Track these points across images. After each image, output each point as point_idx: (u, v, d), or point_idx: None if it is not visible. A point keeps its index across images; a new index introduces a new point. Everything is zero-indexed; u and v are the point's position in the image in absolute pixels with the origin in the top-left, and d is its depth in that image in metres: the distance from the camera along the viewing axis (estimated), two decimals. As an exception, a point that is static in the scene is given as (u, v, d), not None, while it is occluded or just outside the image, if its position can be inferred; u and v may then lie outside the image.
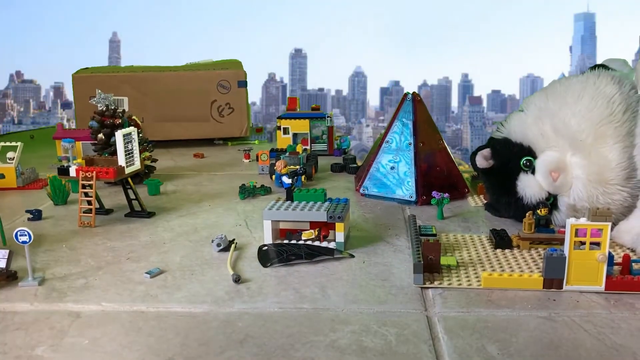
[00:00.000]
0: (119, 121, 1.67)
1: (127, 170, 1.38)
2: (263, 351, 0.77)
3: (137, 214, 1.42)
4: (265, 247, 1.13)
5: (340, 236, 1.14)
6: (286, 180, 1.24)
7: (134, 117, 1.81)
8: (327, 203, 1.19)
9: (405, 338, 0.81)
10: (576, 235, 0.93)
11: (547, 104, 1.27)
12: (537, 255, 1.12)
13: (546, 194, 1.24)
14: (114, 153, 1.39)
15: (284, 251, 1.10)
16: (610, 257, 0.95)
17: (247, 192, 1.59)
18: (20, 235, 0.98)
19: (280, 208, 1.16)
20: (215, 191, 1.69)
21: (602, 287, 0.94)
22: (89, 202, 1.34)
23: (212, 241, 1.17)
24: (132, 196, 1.41)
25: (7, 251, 1.02)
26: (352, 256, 1.12)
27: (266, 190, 1.63)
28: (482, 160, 1.33)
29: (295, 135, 2.25)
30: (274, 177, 1.73)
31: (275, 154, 1.93)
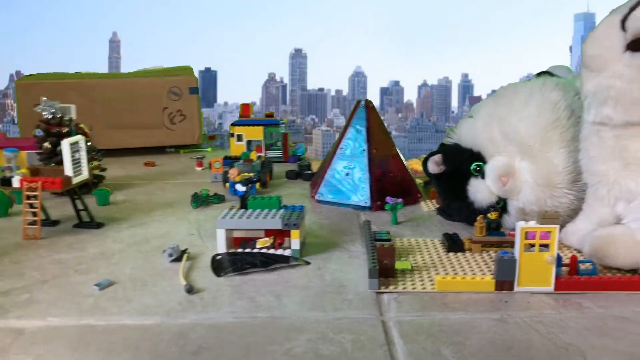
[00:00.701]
0: (65, 130, 1.62)
1: (75, 180, 1.33)
2: (217, 363, 0.76)
3: (86, 225, 1.37)
4: (219, 256, 1.11)
5: (295, 243, 1.13)
6: (240, 188, 1.23)
7: (81, 125, 1.75)
8: (282, 210, 1.18)
9: (361, 344, 0.80)
10: (526, 238, 0.95)
11: (495, 110, 1.30)
12: (489, 258, 1.14)
13: (496, 198, 1.27)
14: (61, 163, 1.34)
15: (238, 260, 1.08)
16: (559, 258, 0.98)
17: (200, 200, 1.57)
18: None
19: (234, 216, 1.15)
20: (167, 200, 1.66)
21: (551, 288, 0.96)
22: (34, 214, 1.29)
23: (164, 251, 1.14)
24: (80, 207, 1.37)
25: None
26: (308, 263, 1.11)
27: (219, 199, 1.61)
28: (433, 166, 1.35)
29: (249, 142, 2.24)
30: (227, 185, 1.71)
31: (229, 161, 1.91)
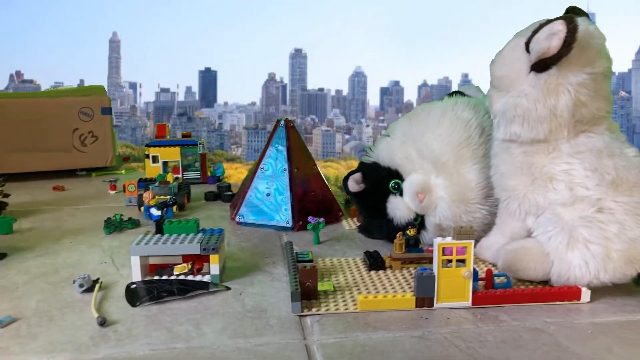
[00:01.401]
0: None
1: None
2: (132, 401, 0.71)
3: (-15, 257, 1.27)
4: (134, 285, 1.06)
5: (215, 268, 1.09)
6: (155, 212, 1.18)
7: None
8: (200, 234, 1.14)
9: (284, 371, 0.78)
10: (443, 253, 0.97)
11: (411, 129, 1.33)
12: (409, 274, 1.15)
13: (414, 214, 1.29)
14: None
15: (155, 288, 1.03)
16: (475, 273, 1.01)
17: (113, 226, 1.50)
18: None
19: (149, 242, 1.10)
20: (78, 226, 1.57)
21: (469, 303, 0.99)
22: None
23: (74, 282, 1.07)
24: (-21, 237, 1.27)
25: None
26: (228, 289, 1.08)
27: (134, 224, 1.54)
28: (353, 185, 1.36)
29: (165, 163, 2.17)
30: (142, 208, 1.65)
31: (144, 184, 1.84)
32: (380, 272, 1.17)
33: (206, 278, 1.09)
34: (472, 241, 0.96)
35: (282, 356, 0.82)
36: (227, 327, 0.92)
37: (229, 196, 1.85)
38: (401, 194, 1.30)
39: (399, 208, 1.30)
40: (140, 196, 1.67)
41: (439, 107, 1.35)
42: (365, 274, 1.16)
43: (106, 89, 2.62)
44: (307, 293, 1.01)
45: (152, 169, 2.15)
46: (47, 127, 2.36)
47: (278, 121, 1.60)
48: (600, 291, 1.03)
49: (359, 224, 1.52)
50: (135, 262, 1.09)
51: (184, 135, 2.36)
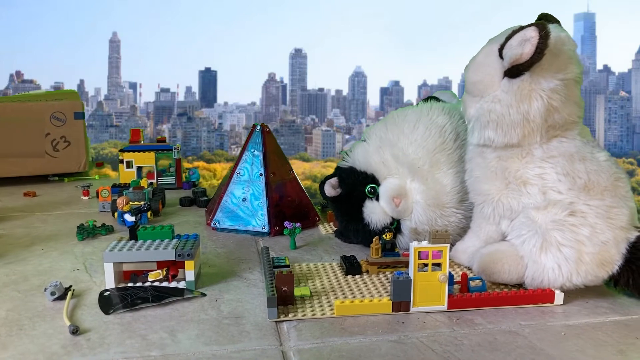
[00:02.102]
0: None
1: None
2: (105, 411, 0.70)
3: (-47, 265, 1.24)
4: (107, 292, 1.04)
5: (190, 275, 1.08)
6: (129, 218, 1.16)
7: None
8: (175, 240, 1.13)
9: (261, 377, 0.78)
10: (419, 257, 0.97)
11: (386, 134, 1.34)
12: (386, 279, 1.16)
13: (390, 219, 1.30)
14: None
15: (129, 295, 1.02)
16: (451, 276, 1.01)
17: (86, 232, 1.47)
18: None
19: (123, 248, 1.08)
20: (50, 233, 1.54)
21: (445, 307, 0.99)
22: None
23: (45, 289, 1.05)
24: (-54, 244, 1.23)
25: None
26: (204, 295, 1.07)
27: (107, 230, 1.51)
28: (330, 189, 1.36)
29: (139, 168, 2.14)
30: (116, 214, 1.62)
31: (118, 189, 1.81)
32: (357, 276, 1.18)
33: (181, 284, 1.08)
34: (448, 245, 0.97)
35: (258, 363, 0.82)
36: (203, 334, 0.91)
37: (204, 201, 1.83)
38: (377, 199, 1.30)
39: (375, 212, 1.30)
40: (114, 202, 1.64)
41: (414, 112, 1.36)
42: (342, 279, 1.16)
43: (79, 93, 2.58)
44: (283, 298, 1.01)
45: (126, 174, 2.12)
46: (18, 131, 2.31)
47: (254, 126, 1.60)
48: (573, 294, 1.05)
49: (335, 228, 1.52)
50: (109, 268, 1.07)
51: (158, 140, 2.33)
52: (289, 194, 1.56)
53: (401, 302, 0.99)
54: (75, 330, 0.91)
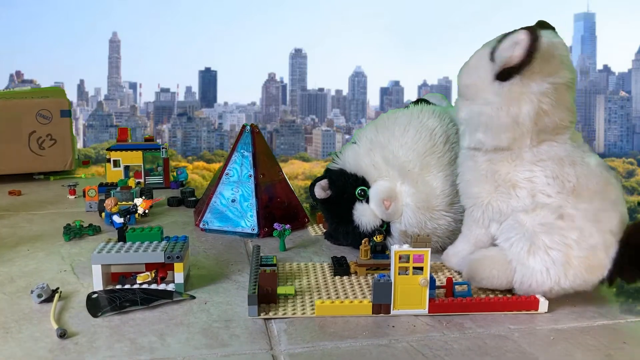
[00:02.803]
0: None
1: None
2: (94, 417, 0.69)
3: (-64, 266, 1.22)
4: (95, 295, 1.03)
5: (179, 277, 1.07)
6: (117, 219, 1.15)
7: None
8: (164, 242, 1.12)
9: (251, 382, 0.77)
10: (400, 261, 0.97)
11: (377, 136, 1.34)
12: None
13: (380, 221, 1.30)
14: None
15: (117, 297, 1.01)
16: (433, 280, 1.01)
17: (73, 232, 1.45)
18: None
19: (111, 250, 1.07)
20: (36, 233, 1.52)
21: (425, 310, 0.99)
22: None
23: (32, 292, 1.04)
24: None
25: None
26: (193, 297, 1.06)
27: (95, 230, 1.50)
28: (320, 191, 1.36)
29: (127, 168, 2.12)
30: (103, 214, 1.61)
31: (105, 189, 1.79)
32: (345, 277, 1.18)
33: (170, 287, 1.07)
34: (429, 249, 0.97)
35: (249, 367, 0.81)
36: (192, 337, 0.91)
37: (192, 202, 1.82)
38: (367, 201, 1.30)
39: (365, 215, 1.30)
40: (102, 202, 1.63)
41: (404, 115, 1.36)
42: (329, 279, 1.16)
43: (65, 91, 2.54)
44: (266, 297, 1.02)
45: (113, 174, 2.10)
46: (2, 129, 2.28)
47: (244, 126, 1.59)
48: (561, 298, 1.06)
49: (324, 230, 1.52)
50: (97, 270, 1.06)
51: (146, 139, 2.31)
52: (279, 195, 1.56)
53: (381, 305, 0.99)
54: (63, 334, 0.90)
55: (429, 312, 0.99)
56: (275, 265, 1.17)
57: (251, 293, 0.98)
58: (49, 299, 1.03)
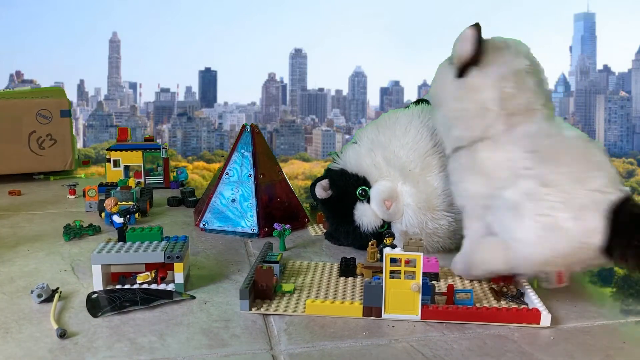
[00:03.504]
0: None
1: None
2: (94, 417, 0.69)
3: (-64, 265, 1.22)
4: (95, 295, 1.03)
5: (179, 277, 1.07)
6: (117, 219, 1.15)
7: None
8: (164, 242, 1.12)
9: (251, 382, 0.77)
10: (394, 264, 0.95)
11: (378, 136, 1.34)
12: (377, 283, 1.15)
13: (381, 221, 1.30)
14: None
15: (117, 297, 1.01)
16: (427, 287, 0.99)
17: (73, 232, 1.45)
18: None
19: (111, 250, 1.07)
20: (36, 233, 1.52)
21: (418, 316, 0.97)
22: None
23: (32, 292, 1.03)
24: None
25: None
26: (193, 297, 1.06)
27: (95, 230, 1.50)
28: (321, 191, 1.36)
29: (127, 168, 2.12)
30: (103, 214, 1.61)
31: (105, 189, 1.79)
32: (350, 278, 1.17)
33: (170, 287, 1.07)
34: (421, 254, 0.95)
35: (249, 367, 0.81)
36: (192, 337, 0.91)
37: (192, 202, 1.82)
38: (368, 201, 1.30)
39: (366, 215, 1.30)
40: (102, 202, 1.63)
41: (405, 115, 1.36)
42: (333, 280, 1.16)
43: (65, 91, 2.54)
44: (262, 292, 1.03)
45: (113, 173, 2.10)
46: (2, 129, 2.28)
47: (243, 126, 1.59)
48: (561, 298, 1.06)
49: (325, 230, 1.51)
50: (97, 270, 1.06)
51: (146, 139, 2.31)
52: (279, 195, 1.56)
53: (372, 308, 0.98)
54: (63, 334, 0.90)
55: (421, 319, 0.97)
56: (277, 262, 1.16)
57: (243, 288, 0.99)
58: (49, 299, 1.03)
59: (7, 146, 2.28)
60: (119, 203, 1.22)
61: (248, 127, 1.57)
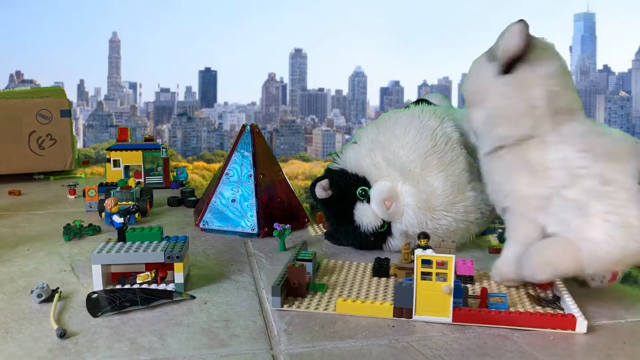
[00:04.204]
0: None
1: None
2: (94, 417, 0.69)
3: (-64, 265, 1.22)
4: (95, 295, 1.03)
5: (179, 277, 1.07)
6: (117, 219, 1.15)
7: None
8: (164, 242, 1.12)
9: (251, 382, 0.77)
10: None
11: (378, 136, 1.34)
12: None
13: (381, 221, 1.30)
14: None
15: (117, 297, 1.01)
16: (459, 289, 0.98)
17: (73, 232, 1.45)
18: None
19: (111, 250, 1.07)
20: (36, 233, 1.52)
21: (449, 319, 0.96)
22: None
23: (32, 292, 1.03)
24: None
25: None
26: (193, 297, 1.06)
27: (95, 230, 1.50)
28: (321, 191, 1.36)
29: (127, 168, 2.12)
30: (103, 214, 1.61)
31: (105, 188, 1.79)
32: (383, 279, 1.17)
33: (170, 287, 1.07)
34: (453, 256, 0.94)
35: (249, 367, 0.81)
36: (193, 337, 0.91)
37: (192, 202, 1.82)
38: (368, 201, 1.30)
39: (366, 215, 1.30)
40: (101, 201, 1.63)
41: (405, 115, 1.36)
42: (366, 279, 1.16)
43: (65, 91, 2.54)
44: (294, 290, 1.04)
45: (113, 173, 2.10)
46: (2, 129, 2.28)
47: (243, 126, 1.59)
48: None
49: (325, 230, 1.51)
50: (97, 270, 1.06)
51: (146, 139, 2.31)
52: (279, 195, 1.56)
53: (403, 309, 0.97)
54: (63, 334, 0.90)
55: (452, 321, 0.96)
56: (310, 260, 1.15)
57: (275, 285, 1.01)
58: (49, 299, 1.03)
59: (7, 146, 2.28)
60: (119, 203, 1.22)
61: (248, 127, 1.57)
